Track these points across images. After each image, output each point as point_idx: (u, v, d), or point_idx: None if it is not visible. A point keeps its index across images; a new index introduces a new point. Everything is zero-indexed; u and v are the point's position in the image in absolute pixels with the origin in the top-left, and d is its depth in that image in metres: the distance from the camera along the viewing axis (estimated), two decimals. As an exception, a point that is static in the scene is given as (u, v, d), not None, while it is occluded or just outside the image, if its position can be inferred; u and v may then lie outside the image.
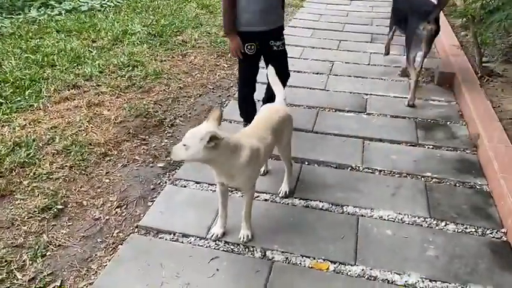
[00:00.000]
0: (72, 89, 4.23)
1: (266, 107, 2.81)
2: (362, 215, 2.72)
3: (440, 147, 3.46)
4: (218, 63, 5.08)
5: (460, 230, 2.61)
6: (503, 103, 4.05)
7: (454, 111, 4.04)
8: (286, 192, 2.85)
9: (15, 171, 3.00)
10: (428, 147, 3.45)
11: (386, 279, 2.27)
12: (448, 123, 3.83)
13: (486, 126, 3.43)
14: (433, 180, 3.06)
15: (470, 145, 3.45)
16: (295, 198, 2.87)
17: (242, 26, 3.00)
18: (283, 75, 3.19)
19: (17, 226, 2.56)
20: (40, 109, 3.83)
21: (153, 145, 3.45)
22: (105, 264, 2.35)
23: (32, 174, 2.98)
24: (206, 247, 2.46)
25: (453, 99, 4.27)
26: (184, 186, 2.96)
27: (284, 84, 3.19)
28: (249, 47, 3.04)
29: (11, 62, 4.65)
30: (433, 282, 2.26)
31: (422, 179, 3.07)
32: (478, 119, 3.56)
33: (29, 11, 6.59)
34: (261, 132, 2.45)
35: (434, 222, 2.67)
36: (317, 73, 4.92)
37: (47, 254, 2.40)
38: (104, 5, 7.08)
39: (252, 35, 3.00)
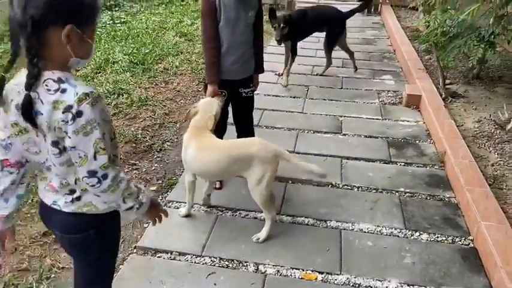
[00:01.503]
0: (60, 117, 4.35)
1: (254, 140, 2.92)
2: (344, 229, 2.96)
3: (411, 164, 3.76)
4: (200, 89, 5.31)
5: (432, 239, 2.88)
6: (466, 122, 4.42)
7: (422, 130, 4.38)
8: (258, 239, 2.81)
9: (13, 198, 3.11)
10: (400, 164, 3.75)
11: (369, 286, 2.50)
12: (417, 141, 4.15)
13: (451, 143, 3.76)
14: (407, 194, 3.34)
15: (438, 161, 3.77)
16: (282, 215, 3.09)
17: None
18: (247, 120, 3.39)
19: (20, 251, 2.68)
20: (31, 138, 3.94)
21: (144, 169, 3.62)
22: (108, 283, 2.50)
23: (30, 201, 3.10)
24: (203, 264, 2.64)
25: (420, 119, 4.62)
26: (177, 208, 3.13)
27: (251, 128, 3.42)
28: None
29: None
30: (411, 286, 2.51)
31: (397, 193, 3.35)
32: (444, 137, 3.89)
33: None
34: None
35: (410, 232, 2.94)
36: (295, 97, 5.22)
37: (51, 276, 2.53)
38: (83, 34, 7.23)
39: (224, 83, 3.08)
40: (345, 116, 4.68)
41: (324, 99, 5.16)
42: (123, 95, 4.95)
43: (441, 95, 4.91)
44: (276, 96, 5.23)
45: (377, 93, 5.36)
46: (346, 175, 3.57)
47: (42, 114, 1.37)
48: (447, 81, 5.25)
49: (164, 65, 5.97)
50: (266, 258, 2.69)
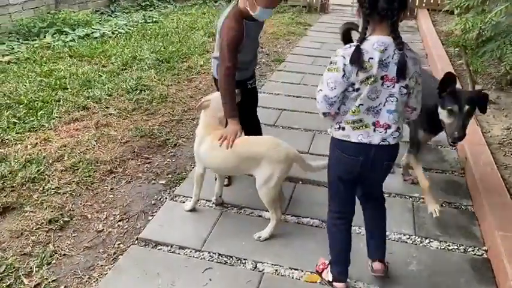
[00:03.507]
0: (81, 110, 4.47)
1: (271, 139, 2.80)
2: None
3: (430, 169, 3.61)
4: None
5: (443, 247, 2.74)
6: (493, 128, 4.21)
7: (445, 136, 4.19)
8: (260, 237, 2.76)
9: (26, 185, 3.20)
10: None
11: (370, 292, 2.40)
12: (439, 146, 3.98)
13: (474, 150, 3.58)
14: (421, 200, 3.20)
15: (458, 168, 3.60)
16: (288, 215, 3.03)
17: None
18: (253, 113, 3.34)
19: (25, 236, 2.75)
20: (51, 129, 4.06)
21: (156, 164, 3.65)
22: (105, 272, 2.51)
23: (41, 188, 3.18)
24: (201, 258, 2.62)
25: (445, 125, 4.43)
26: (183, 202, 3.13)
27: (257, 120, 3.39)
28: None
29: (25, 85, 4.92)
30: (414, 294, 2.39)
31: (410, 199, 3.22)
32: (466, 143, 3.71)
33: (44, 37, 6.94)
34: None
35: (419, 239, 2.81)
36: (315, 98, 5.11)
37: (52, 262, 2.57)
38: (115, 32, 7.43)
39: (238, 83, 2.97)
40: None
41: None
42: (145, 91, 5.02)
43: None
44: (297, 97, 5.16)
45: (402, 97, 5.19)
46: (360, 178, 3.46)
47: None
48: (478, 87, 5.02)
49: (189, 64, 6.02)
50: (265, 256, 2.63)
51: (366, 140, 2.04)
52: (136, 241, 2.78)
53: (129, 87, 5.05)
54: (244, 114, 2.98)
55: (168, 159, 3.72)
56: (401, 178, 3.46)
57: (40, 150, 3.68)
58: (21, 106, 4.42)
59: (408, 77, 1.96)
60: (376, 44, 1.91)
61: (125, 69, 5.76)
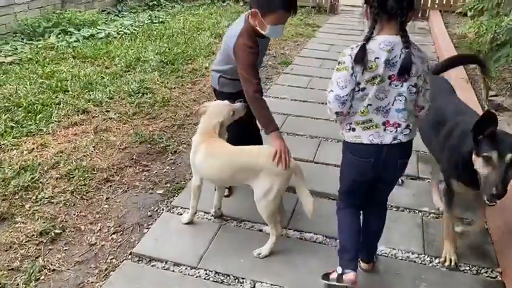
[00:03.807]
0: (81, 114, 4.36)
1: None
2: (355, 249, 2.71)
3: (441, 181, 3.43)
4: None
5: (454, 268, 2.57)
6: (508, 138, 4.01)
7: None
8: (259, 254, 2.62)
9: (18, 194, 3.09)
10: (428, 181, 3.43)
11: (375, 317, 2.25)
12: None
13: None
14: (431, 215, 3.03)
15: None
16: (290, 229, 2.88)
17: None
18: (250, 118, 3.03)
19: (14, 249, 2.63)
20: (49, 133, 3.95)
21: (155, 171, 3.52)
22: (96, 290, 2.39)
23: (34, 198, 3.06)
24: (196, 277, 2.48)
25: (457, 133, 4.24)
26: (181, 214, 2.99)
27: (260, 137, 3.12)
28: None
29: (26, 87, 4.82)
30: (423, 321, 2.23)
31: (420, 213, 3.05)
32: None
33: (49, 37, 6.85)
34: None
35: (428, 258, 2.64)
36: (322, 103, 4.96)
37: (41, 278, 2.45)
38: (120, 32, 7.32)
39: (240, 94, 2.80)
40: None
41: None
42: (147, 94, 4.90)
43: (483, 108, 4.51)
44: (304, 101, 5.00)
45: (413, 103, 5.01)
46: (366, 190, 3.30)
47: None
48: (491, 93, 4.83)
49: (193, 66, 5.89)
50: (264, 276, 2.48)
51: (377, 141, 2.04)
52: (130, 256, 2.65)
53: (131, 90, 4.93)
54: (244, 124, 2.84)
55: (168, 167, 3.59)
56: (410, 191, 3.29)
57: (36, 156, 3.56)
58: (20, 109, 4.31)
59: (416, 75, 1.95)
60: (382, 43, 1.91)
61: (128, 71, 5.64)
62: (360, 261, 2.46)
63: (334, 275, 2.22)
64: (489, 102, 4.62)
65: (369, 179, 2.18)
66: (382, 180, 2.19)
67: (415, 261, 2.62)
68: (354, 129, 2.07)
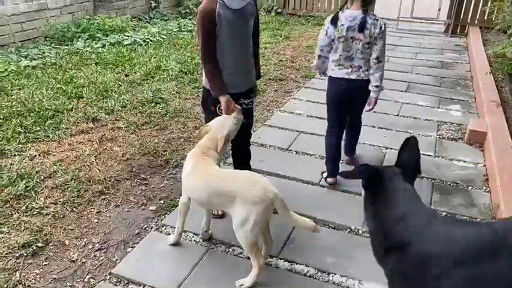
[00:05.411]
0: (90, 122, 4.33)
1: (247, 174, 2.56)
2: (348, 287, 2.49)
3: (455, 214, 3.15)
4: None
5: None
6: (537, 170, 3.66)
7: (480, 175, 3.70)
8: (242, 285, 2.43)
9: (9, 203, 3.05)
10: (441, 213, 3.15)
11: None
12: (470, 187, 3.50)
13: (508, 195, 3.09)
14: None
15: (488, 216, 3.12)
16: (280, 259, 2.69)
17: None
18: (246, 136, 3.09)
19: (-8, 262, 2.57)
20: (54, 140, 3.94)
21: (152, 186, 3.41)
22: (66, 312, 2.29)
23: (24, 207, 3.01)
24: (171, 305, 2.34)
25: (481, 161, 3.92)
26: (169, 234, 2.86)
27: (248, 146, 3.21)
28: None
29: (42, 92, 4.87)
30: None
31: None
32: (501, 186, 3.22)
33: (77, 43, 6.96)
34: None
35: None
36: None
37: (14, 294, 2.38)
38: (146, 40, 7.35)
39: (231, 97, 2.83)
40: (390, 148, 4.12)
41: (373, 126, 4.61)
42: (160, 104, 4.84)
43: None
44: (320, 118, 4.78)
45: (437, 125, 4.70)
46: (371, 219, 3.06)
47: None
48: (524, 119, 4.46)
49: (212, 76, 5.79)
50: (244, 310, 2.31)
51: (347, 76, 3.15)
52: (109, 276, 2.53)
53: (144, 99, 4.89)
54: (234, 143, 2.71)
55: (166, 182, 3.48)
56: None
57: (36, 163, 3.54)
58: (31, 114, 4.34)
59: (369, 36, 3.01)
60: (348, 16, 3.02)
61: (147, 79, 5.62)
62: (345, 154, 3.71)
63: (324, 175, 3.45)
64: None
65: (342, 100, 3.28)
66: (352, 102, 3.31)
67: None
68: (333, 69, 3.19)
